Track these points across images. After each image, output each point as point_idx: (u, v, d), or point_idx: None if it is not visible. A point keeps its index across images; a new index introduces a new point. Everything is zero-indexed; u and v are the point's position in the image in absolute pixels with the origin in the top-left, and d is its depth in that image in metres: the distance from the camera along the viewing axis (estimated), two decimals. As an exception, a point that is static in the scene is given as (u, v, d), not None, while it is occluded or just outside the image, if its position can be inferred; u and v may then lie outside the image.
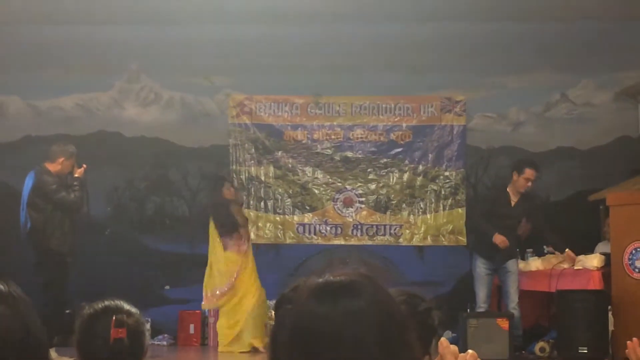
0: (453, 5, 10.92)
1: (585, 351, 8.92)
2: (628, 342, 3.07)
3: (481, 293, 9.89)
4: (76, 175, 9.72)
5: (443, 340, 2.01)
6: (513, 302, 9.77)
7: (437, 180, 11.64)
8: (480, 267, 9.94)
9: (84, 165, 9.78)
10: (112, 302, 3.09)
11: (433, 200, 11.61)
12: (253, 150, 11.68)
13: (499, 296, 10.33)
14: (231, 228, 10.27)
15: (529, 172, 9.87)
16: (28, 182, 9.74)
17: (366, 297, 1.80)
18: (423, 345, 2.90)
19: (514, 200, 9.98)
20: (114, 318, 2.99)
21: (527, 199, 10.09)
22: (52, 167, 9.70)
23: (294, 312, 1.83)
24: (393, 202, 11.64)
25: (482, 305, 9.84)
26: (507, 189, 9.99)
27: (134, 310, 3.11)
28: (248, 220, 10.72)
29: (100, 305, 3.07)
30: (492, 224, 9.86)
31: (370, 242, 11.62)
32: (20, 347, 2.66)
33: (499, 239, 9.77)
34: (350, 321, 1.76)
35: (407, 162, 11.66)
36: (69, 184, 9.69)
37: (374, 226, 11.63)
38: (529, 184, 9.90)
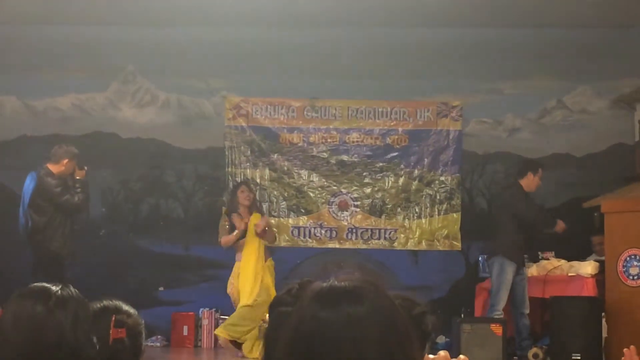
0: (450, 10, 10.92)
1: (579, 358, 8.91)
2: (625, 349, 3.05)
3: (505, 298, 9.74)
4: (78, 177, 9.59)
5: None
6: (528, 309, 9.71)
7: (432, 185, 11.64)
8: (510, 273, 9.68)
9: (86, 167, 9.66)
10: (110, 302, 3.09)
11: (428, 204, 11.61)
12: (249, 152, 11.68)
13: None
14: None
15: (541, 172, 10.05)
16: (30, 184, 9.56)
17: (368, 304, 1.80)
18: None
19: None
20: (113, 318, 2.98)
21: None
22: (55, 168, 9.49)
23: (296, 315, 1.83)
24: (388, 206, 11.64)
25: (501, 312, 9.67)
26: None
27: (132, 310, 3.11)
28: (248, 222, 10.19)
29: (98, 305, 3.06)
30: (517, 223, 9.81)
31: (364, 246, 11.61)
32: (50, 351, 2.65)
33: (561, 226, 10.04)
34: (351, 327, 1.76)
35: (402, 166, 11.65)
36: (70, 185, 9.58)
37: (369, 230, 11.63)
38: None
